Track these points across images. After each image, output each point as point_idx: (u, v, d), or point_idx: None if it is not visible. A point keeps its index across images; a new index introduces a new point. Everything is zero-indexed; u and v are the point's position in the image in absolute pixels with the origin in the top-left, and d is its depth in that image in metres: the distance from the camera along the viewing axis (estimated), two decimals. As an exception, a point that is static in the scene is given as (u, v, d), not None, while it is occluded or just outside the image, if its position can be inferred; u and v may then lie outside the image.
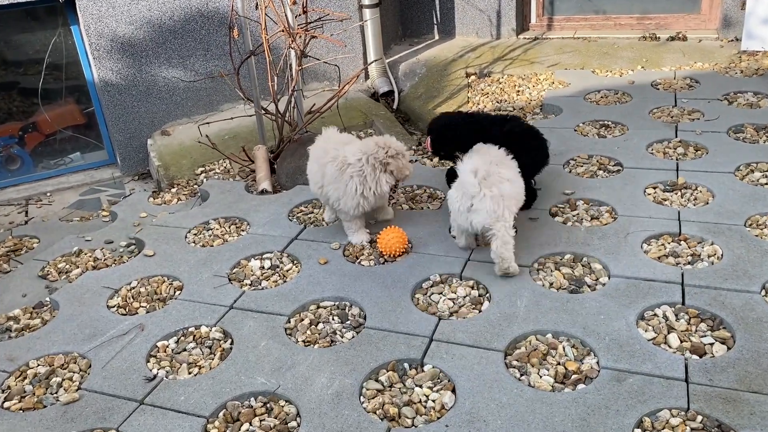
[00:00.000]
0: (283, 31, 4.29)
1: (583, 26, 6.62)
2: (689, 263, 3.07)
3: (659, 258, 3.13)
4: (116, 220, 4.34)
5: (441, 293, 3.02)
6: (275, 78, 4.35)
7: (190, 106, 5.82)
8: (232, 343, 2.83)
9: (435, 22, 6.96)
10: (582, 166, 4.11)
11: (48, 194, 5.52)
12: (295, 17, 4.36)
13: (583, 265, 3.14)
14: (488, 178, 2.98)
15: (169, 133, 5.71)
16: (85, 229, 4.53)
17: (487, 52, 6.44)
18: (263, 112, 4.61)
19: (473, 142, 3.36)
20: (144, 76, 5.55)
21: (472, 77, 6.11)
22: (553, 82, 5.68)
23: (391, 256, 3.31)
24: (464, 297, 2.99)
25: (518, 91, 5.69)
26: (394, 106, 6.20)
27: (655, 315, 2.76)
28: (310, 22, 4.31)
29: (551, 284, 3.01)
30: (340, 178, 3.29)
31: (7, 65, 5.56)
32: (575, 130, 4.63)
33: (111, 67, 5.41)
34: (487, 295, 2.99)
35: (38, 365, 2.83)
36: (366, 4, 5.93)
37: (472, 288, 3.05)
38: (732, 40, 5.90)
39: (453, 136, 3.57)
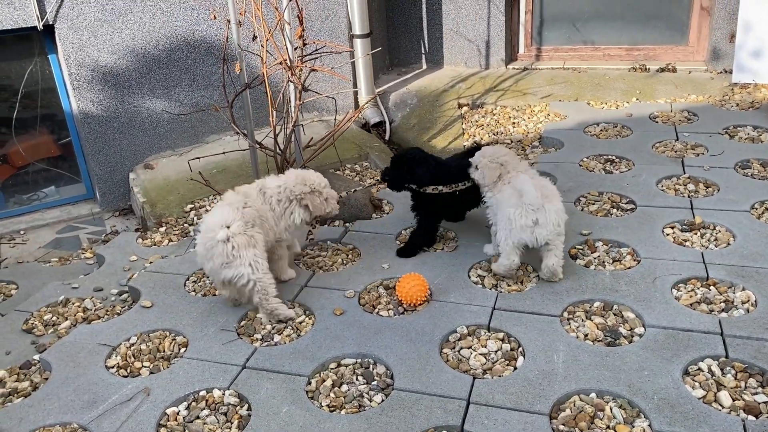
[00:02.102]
0: (281, 63, 4.10)
1: (572, 57, 6.60)
2: (724, 311, 2.96)
3: (692, 305, 3.01)
4: (104, 264, 4.04)
5: (470, 347, 2.84)
6: (274, 113, 4.15)
7: (174, 138, 5.56)
8: (249, 409, 2.59)
9: (423, 52, 6.86)
10: (594, 204, 4.01)
11: (21, 232, 5.18)
12: (295, 49, 4.17)
13: (615, 314, 3.00)
14: (545, 192, 3.12)
15: (152, 166, 5.44)
16: (68, 273, 4.22)
17: (477, 82, 6.35)
18: (258, 146, 4.39)
19: (430, 177, 3.46)
20: (126, 106, 5.28)
21: (465, 108, 6.01)
22: (549, 114, 5.61)
23: (411, 305, 3.12)
24: (496, 351, 2.81)
25: (513, 123, 5.60)
26: (387, 137, 6.05)
27: (699, 370, 2.63)
28: (307, 55, 4.13)
29: (586, 336, 2.86)
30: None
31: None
32: (580, 165, 4.54)
33: (91, 98, 5.13)
34: (520, 348, 2.82)
35: (32, 439, 2.55)
36: (357, 34, 5.78)
37: (503, 341, 2.87)
38: (721, 72, 5.94)
39: (410, 171, 3.51)
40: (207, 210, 4.66)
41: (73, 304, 3.58)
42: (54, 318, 3.46)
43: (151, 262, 3.85)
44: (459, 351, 2.83)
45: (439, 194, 3.48)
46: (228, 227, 2.96)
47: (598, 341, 2.84)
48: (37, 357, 3.06)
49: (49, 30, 4.95)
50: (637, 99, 5.68)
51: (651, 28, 6.33)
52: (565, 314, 3.02)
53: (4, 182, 5.48)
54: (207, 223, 3.05)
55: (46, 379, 2.89)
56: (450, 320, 3.01)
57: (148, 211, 4.85)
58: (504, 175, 3.30)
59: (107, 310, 3.49)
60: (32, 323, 3.44)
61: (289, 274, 3.45)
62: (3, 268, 4.60)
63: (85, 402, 2.67)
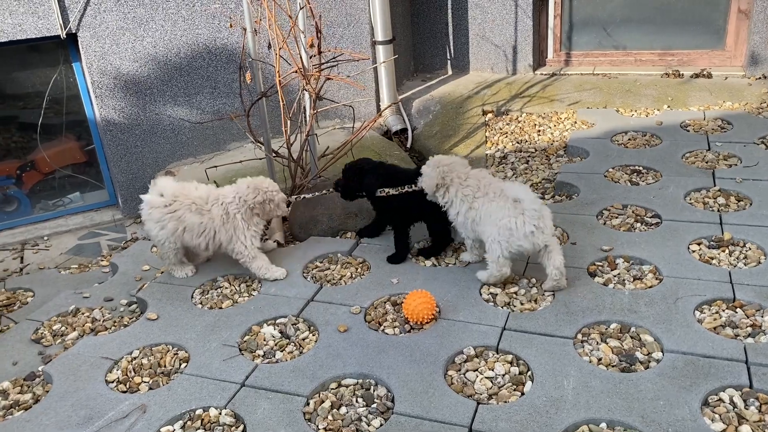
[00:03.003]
0: (296, 72, 4.04)
1: (602, 62, 6.40)
2: (750, 336, 2.78)
3: (715, 329, 2.83)
4: (117, 273, 4.05)
5: (477, 370, 2.72)
6: (288, 123, 4.10)
7: (196, 146, 5.57)
8: (244, 431, 2.52)
9: (448, 57, 6.74)
10: (617, 218, 3.84)
11: (45, 238, 5.24)
12: (310, 58, 4.11)
13: (632, 337, 2.84)
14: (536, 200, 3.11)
15: (173, 173, 5.44)
16: (83, 281, 4.24)
17: (503, 88, 6.21)
18: (274, 155, 4.34)
19: (380, 185, 3.53)
20: (148, 114, 5.31)
21: (489, 115, 5.87)
22: (576, 122, 5.43)
23: (418, 323, 3.02)
24: (503, 375, 2.69)
25: (539, 131, 5.44)
26: (408, 145, 5.95)
27: (720, 401, 2.46)
28: (324, 63, 4.07)
29: (599, 360, 2.72)
30: (226, 219, 3.46)
31: (6, 102, 5.32)
32: (605, 176, 4.36)
33: (113, 106, 5.17)
34: (529, 373, 2.69)
35: (27, 453, 2.53)
36: (380, 40, 5.70)
37: (511, 364, 2.75)
38: (760, 78, 5.67)
39: (360, 179, 3.61)
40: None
41: (82, 314, 3.58)
42: (63, 328, 3.46)
43: (162, 272, 3.83)
44: (464, 374, 2.72)
45: (389, 197, 3.52)
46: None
47: (612, 366, 2.69)
48: (41, 368, 3.05)
49: (72, 38, 5.00)
50: (668, 106, 5.46)
51: (685, 32, 6.09)
52: (579, 336, 2.87)
53: (31, 188, 5.56)
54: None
55: (48, 391, 2.87)
56: (457, 340, 2.89)
57: (165, 219, 4.84)
58: (450, 183, 3.29)
59: (115, 321, 3.48)
60: (41, 333, 3.44)
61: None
62: (25, 275, 4.66)
63: (82, 418, 2.64)
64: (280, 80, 4.01)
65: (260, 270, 3.51)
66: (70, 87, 5.27)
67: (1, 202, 5.44)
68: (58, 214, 5.52)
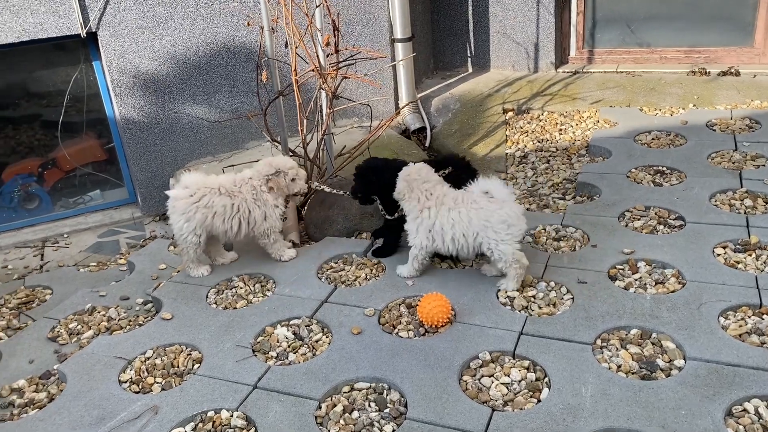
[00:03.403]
0: (313, 70, 4.01)
1: (626, 60, 6.27)
2: (777, 344, 2.68)
3: (740, 336, 2.74)
4: (133, 271, 4.05)
5: (492, 376, 2.67)
6: (305, 122, 4.07)
7: (215, 144, 5.57)
8: (255, 433, 2.50)
9: (469, 55, 6.66)
10: (639, 220, 3.74)
11: (65, 236, 5.28)
12: (327, 56, 4.08)
13: (653, 344, 2.76)
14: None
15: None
16: (100, 279, 4.25)
17: (524, 86, 6.12)
18: (291, 154, 4.32)
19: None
20: (167, 113, 5.32)
21: (510, 113, 5.79)
22: (598, 121, 5.33)
23: (433, 326, 2.96)
24: (519, 381, 2.62)
25: (560, 130, 5.35)
26: (426, 144, 5.89)
27: (745, 411, 2.38)
28: (341, 61, 4.03)
29: (619, 367, 2.64)
30: (257, 196, 3.54)
31: (28, 101, 5.37)
32: (628, 177, 4.27)
33: (133, 104, 5.18)
34: (546, 379, 2.62)
35: (40, 453, 2.53)
36: (399, 38, 5.65)
37: (528, 370, 2.68)
38: (790, 76, 5.51)
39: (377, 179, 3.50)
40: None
41: (98, 312, 3.59)
42: (79, 326, 3.47)
43: (178, 271, 3.82)
44: (479, 379, 2.66)
45: None
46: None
47: (632, 374, 2.61)
48: (56, 367, 3.06)
49: (92, 37, 5.02)
50: (694, 105, 5.33)
51: (712, 28, 5.94)
52: (598, 342, 2.80)
53: (52, 186, 5.61)
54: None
55: (62, 390, 2.88)
56: (473, 345, 2.83)
57: (183, 217, 4.84)
58: (422, 193, 3.21)
59: (130, 320, 3.48)
60: (58, 331, 3.45)
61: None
62: (45, 272, 4.69)
63: (94, 418, 2.64)
64: (296, 79, 3.98)
65: (278, 251, 3.64)
66: (91, 85, 5.30)
67: (22, 200, 5.50)
68: (79, 211, 5.57)
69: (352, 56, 4.20)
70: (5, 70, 5.21)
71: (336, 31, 3.94)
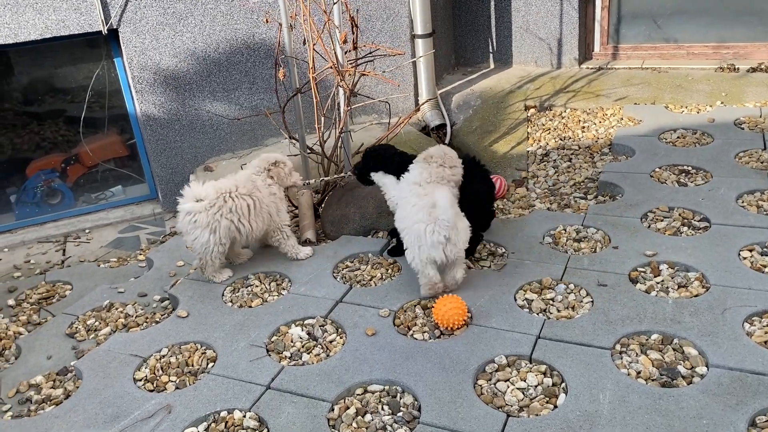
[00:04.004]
0: (331, 68, 3.98)
1: (651, 56, 6.14)
2: (804, 352, 2.59)
3: (766, 343, 2.66)
4: (152, 268, 4.07)
5: (508, 380, 2.62)
6: (322, 119, 4.04)
7: (234, 141, 5.57)
8: (267, 435, 2.49)
9: (491, 50, 6.58)
10: (662, 221, 3.66)
11: (87, 231, 5.33)
12: (345, 54, 4.04)
13: (674, 349, 2.69)
14: (457, 211, 3.07)
15: (212, 168, 5.47)
16: (120, 275, 4.28)
17: (547, 82, 6.02)
18: (308, 152, 4.30)
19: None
20: (187, 109, 5.33)
21: (532, 110, 5.70)
22: (622, 118, 5.22)
23: (449, 329, 2.92)
24: (536, 387, 2.57)
25: (583, 128, 5.26)
26: (446, 141, 5.83)
27: (769, 422, 2.30)
28: (359, 58, 3.99)
29: (638, 373, 2.58)
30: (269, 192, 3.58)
31: (52, 97, 5.43)
32: (651, 176, 4.17)
33: (153, 101, 5.21)
34: (563, 384, 2.57)
35: (55, 450, 2.55)
36: (419, 34, 5.59)
37: (545, 375, 2.63)
38: (823, 72, 5.35)
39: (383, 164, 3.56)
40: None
41: (116, 309, 3.61)
42: (96, 323, 3.49)
43: (194, 269, 3.83)
44: (495, 384, 2.61)
45: None
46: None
47: (652, 380, 2.55)
48: (73, 364, 3.08)
49: (114, 34, 5.05)
50: (722, 102, 5.19)
51: (742, 23, 5.78)
52: (617, 347, 2.74)
53: (75, 181, 5.67)
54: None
55: (78, 387, 2.90)
56: (489, 348, 2.79)
57: (202, 214, 4.85)
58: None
59: (147, 317, 3.49)
60: (76, 327, 3.48)
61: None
62: (66, 267, 4.74)
63: (109, 416, 2.65)
64: (314, 77, 3.95)
65: (293, 249, 3.64)
66: (112, 82, 5.34)
67: (45, 195, 5.56)
68: (100, 207, 5.62)
69: (370, 53, 4.16)
70: (29, 66, 5.27)
71: (354, 28, 3.90)
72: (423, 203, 3.05)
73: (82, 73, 5.36)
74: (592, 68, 6.16)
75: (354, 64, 3.99)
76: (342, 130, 4.06)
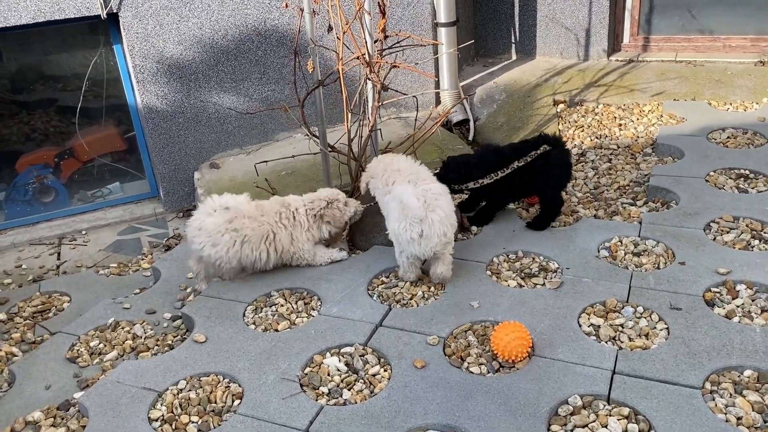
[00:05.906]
0: (359, 59, 3.58)
1: (685, 48, 5.79)
2: None
3: None
4: (159, 279, 3.68)
5: (586, 426, 2.26)
6: (350, 116, 3.65)
7: (242, 136, 5.17)
8: (311, 493, 2.12)
9: (513, 41, 6.20)
10: (729, 233, 3.31)
11: (83, 232, 4.93)
12: (374, 42, 3.64)
13: (774, 390, 2.35)
14: (428, 201, 2.93)
15: (218, 165, 5.06)
16: (123, 286, 3.89)
17: (575, 76, 5.65)
18: (330, 150, 3.91)
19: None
20: (192, 101, 4.91)
21: (561, 105, 5.34)
22: (662, 115, 4.87)
23: (510, 361, 2.56)
24: (620, 435, 2.22)
25: (620, 125, 4.90)
26: (470, 137, 5.46)
27: None
28: (387, 48, 3.60)
29: (738, 420, 2.23)
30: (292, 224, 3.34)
31: (43, 84, 4.99)
32: (707, 181, 3.82)
33: (156, 91, 4.78)
34: (651, 431, 2.22)
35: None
36: (443, 22, 5.19)
37: (629, 419, 2.28)
38: None
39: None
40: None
41: (122, 328, 3.22)
42: (101, 345, 3.10)
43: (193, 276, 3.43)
44: (572, 430, 2.26)
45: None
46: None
47: (756, 429, 2.20)
48: (77, 396, 2.70)
49: (113, 19, 4.62)
50: (769, 99, 4.85)
51: (784, 14, 5.44)
52: (707, 385, 2.39)
53: (69, 177, 5.25)
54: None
55: (83, 426, 2.51)
56: (559, 385, 2.43)
57: (211, 216, 4.46)
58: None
59: (158, 340, 3.10)
60: (77, 350, 3.09)
61: None
62: (62, 274, 4.34)
63: (122, 467, 2.27)
64: (342, 68, 3.55)
65: (323, 258, 3.41)
66: (111, 70, 4.91)
67: (38, 192, 5.15)
68: (97, 206, 5.21)
69: (398, 42, 3.77)
70: (19, 53, 4.83)
71: (384, 16, 3.50)
72: (396, 203, 3.01)
73: (77, 60, 4.93)
74: (621, 60, 5.80)
75: (381, 54, 3.59)
76: (372, 128, 3.67)
